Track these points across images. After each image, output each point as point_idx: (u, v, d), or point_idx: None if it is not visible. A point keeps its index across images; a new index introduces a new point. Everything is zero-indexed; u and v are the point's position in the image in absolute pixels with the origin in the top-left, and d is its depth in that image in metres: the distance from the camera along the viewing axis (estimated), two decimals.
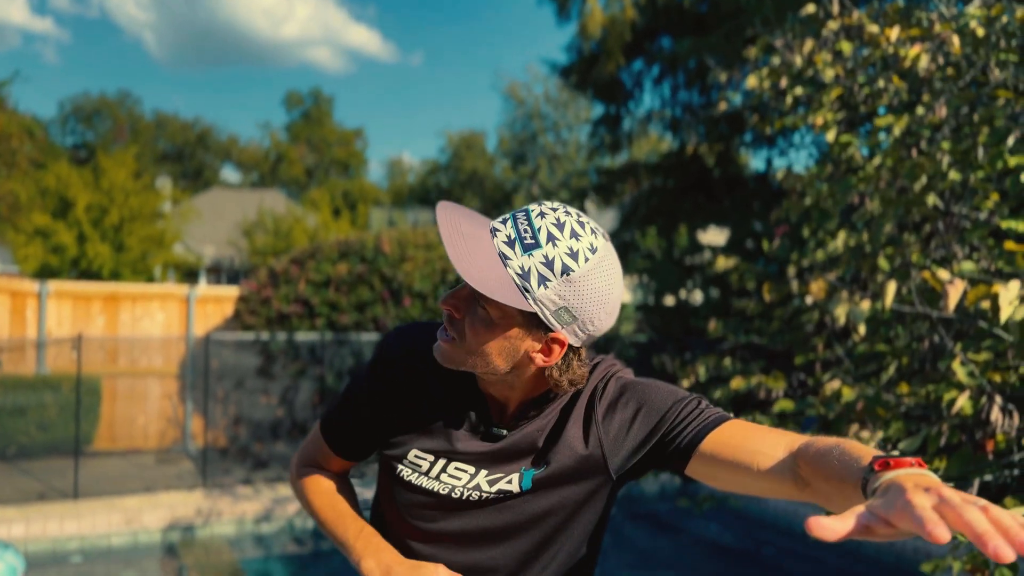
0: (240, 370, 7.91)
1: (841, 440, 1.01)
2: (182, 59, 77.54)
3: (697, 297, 11.26)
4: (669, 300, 10.90)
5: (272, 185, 43.77)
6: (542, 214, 1.10)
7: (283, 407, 8.00)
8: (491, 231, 1.11)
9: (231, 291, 9.43)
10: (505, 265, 1.08)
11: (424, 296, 8.37)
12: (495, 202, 33.03)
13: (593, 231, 1.11)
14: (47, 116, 46.21)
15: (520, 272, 1.07)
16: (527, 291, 1.07)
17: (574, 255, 1.08)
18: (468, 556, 1.27)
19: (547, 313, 1.09)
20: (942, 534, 0.65)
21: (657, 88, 11.74)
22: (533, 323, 1.11)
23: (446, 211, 1.11)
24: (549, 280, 1.07)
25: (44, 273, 16.32)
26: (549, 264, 1.07)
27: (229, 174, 50.09)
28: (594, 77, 11.63)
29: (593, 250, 1.10)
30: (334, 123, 47.95)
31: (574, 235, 1.09)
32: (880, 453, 0.88)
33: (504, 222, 1.12)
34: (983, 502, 0.68)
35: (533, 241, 1.08)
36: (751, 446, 1.10)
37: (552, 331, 1.12)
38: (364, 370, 1.34)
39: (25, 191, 17.72)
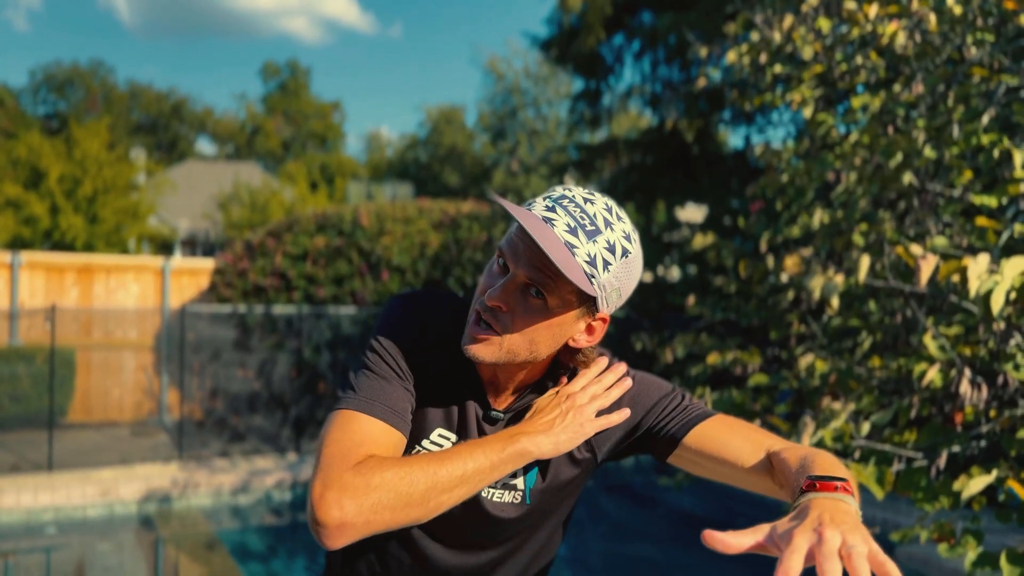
0: (216, 342, 7.87)
1: (813, 451, 1.06)
2: (156, 28, 76.33)
3: (674, 274, 11.32)
4: (646, 277, 10.95)
5: (248, 158, 43.29)
6: (588, 200, 1.12)
7: (260, 380, 7.98)
8: (546, 222, 1.09)
9: (207, 263, 9.36)
10: (573, 254, 1.07)
11: (403, 270, 8.35)
12: (474, 178, 32.93)
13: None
14: (17, 85, 45.31)
15: (588, 259, 1.07)
16: (593, 277, 1.08)
17: (628, 238, 1.12)
18: (460, 547, 1.28)
19: (604, 296, 1.11)
20: None
21: (637, 63, 11.72)
22: (588, 307, 1.13)
23: (508, 205, 1.08)
24: (611, 264, 1.09)
25: (16, 245, 16.09)
26: (611, 248, 1.09)
27: (204, 146, 49.52)
28: (574, 51, 11.57)
29: (633, 232, 1.14)
30: (311, 95, 47.39)
31: (619, 218, 1.12)
32: (824, 475, 0.94)
33: (552, 210, 1.10)
34: (865, 549, 0.75)
35: (594, 228, 1.09)
36: (735, 444, 1.15)
37: (598, 311, 1.15)
38: (391, 334, 1.21)
39: None
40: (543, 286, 1.09)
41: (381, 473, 1.02)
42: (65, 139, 18.14)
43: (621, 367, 1.25)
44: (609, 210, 1.11)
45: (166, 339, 8.67)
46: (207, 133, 49.01)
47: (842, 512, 0.85)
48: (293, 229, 8.76)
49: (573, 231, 1.07)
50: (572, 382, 1.23)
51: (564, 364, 1.23)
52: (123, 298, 9.00)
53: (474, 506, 1.22)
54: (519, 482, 1.23)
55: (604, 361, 1.24)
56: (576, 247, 1.07)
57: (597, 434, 1.23)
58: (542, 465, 1.23)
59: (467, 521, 1.23)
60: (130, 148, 28.50)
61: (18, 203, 16.16)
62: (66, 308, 8.41)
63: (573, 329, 1.15)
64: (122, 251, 18.16)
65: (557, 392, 1.22)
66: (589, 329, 1.17)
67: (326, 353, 8.04)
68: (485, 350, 1.12)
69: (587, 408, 1.18)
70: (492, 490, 1.22)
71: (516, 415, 1.23)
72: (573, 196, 1.11)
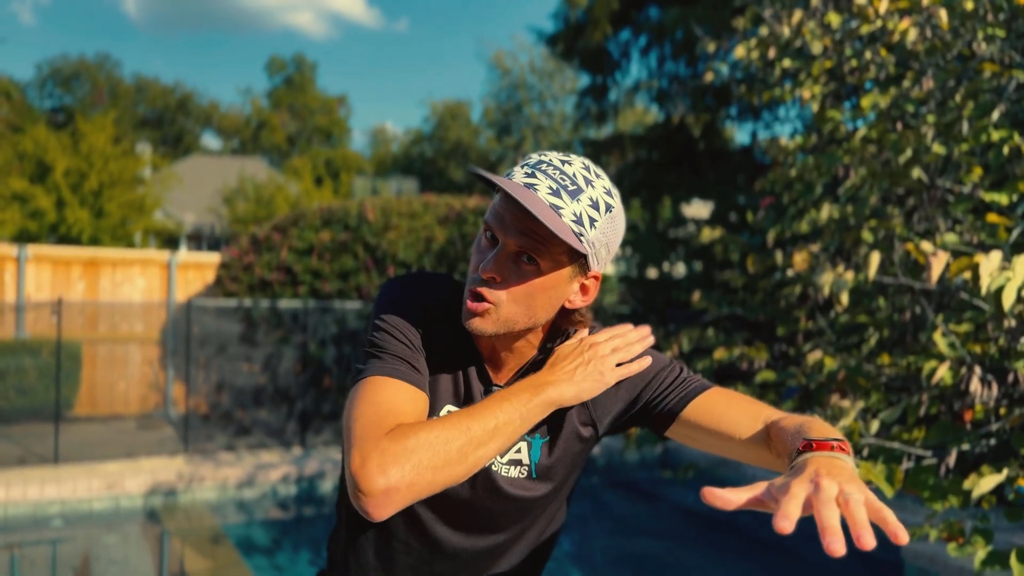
0: (222, 336, 7.88)
1: (809, 418, 1.07)
2: (162, 22, 76.38)
3: (679, 270, 11.31)
4: (652, 273, 10.94)
5: (253, 152, 43.30)
6: (565, 161, 1.13)
7: (265, 374, 7.99)
8: (528, 187, 1.10)
9: (212, 258, 9.36)
10: (559, 215, 1.08)
11: (408, 265, 8.35)
12: (476, 173, 32.85)
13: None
14: (24, 79, 45.37)
15: (575, 218, 1.09)
16: (582, 236, 1.10)
17: (609, 192, 1.14)
18: (469, 530, 1.28)
19: (594, 253, 1.13)
20: (783, 527, 0.74)
21: (644, 59, 11.69)
22: (580, 266, 1.15)
23: (489, 175, 1.11)
24: (596, 221, 1.11)
25: (22, 238, 16.12)
26: (595, 205, 1.11)
27: (210, 140, 49.54)
28: (580, 46, 11.56)
29: (613, 187, 1.17)
30: (317, 90, 47.36)
31: (598, 176, 1.15)
32: (821, 436, 0.95)
33: (532, 175, 1.11)
34: (862, 496, 0.77)
35: (575, 187, 1.11)
36: (733, 416, 1.16)
37: (591, 270, 1.17)
38: (394, 307, 1.21)
39: (2, 155, 17.44)
40: (534, 251, 1.10)
41: (416, 435, 1.01)
42: (71, 133, 18.17)
43: (646, 328, 1.25)
44: (587, 168, 1.14)
45: (172, 333, 8.68)
46: (213, 128, 49.03)
47: (838, 467, 0.86)
48: (299, 224, 8.76)
49: (556, 192, 1.09)
50: (595, 334, 1.23)
51: (560, 328, 1.24)
52: (129, 292, 9.01)
53: (486, 482, 1.22)
54: (524, 457, 1.23)
55: (628, 325, 1.25)
56: (561, 208, 1.08)
57: (598, 408, 1.24)
58: (548, 439, 1.24)
59: (478, 500, 1.23)
60: (136, 142, 28.48)
61: (24, 197, 16.19)
62: (72, 301, 8.43)
63: (568, 290, 1.17)
64: (128, 245, 18.20)
65: (580, 341, 1.22)
66: (583, 289, 1.19)
67: (331, 348, 8.04)
68: (485, 323, 1.14)
69: (609, 358, 1.19)
70: (501, 464, 1.23)
71: None
72: (550, 160, 1.13)
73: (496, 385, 1.24)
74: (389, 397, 1.09)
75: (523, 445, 1.23)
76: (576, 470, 1.31)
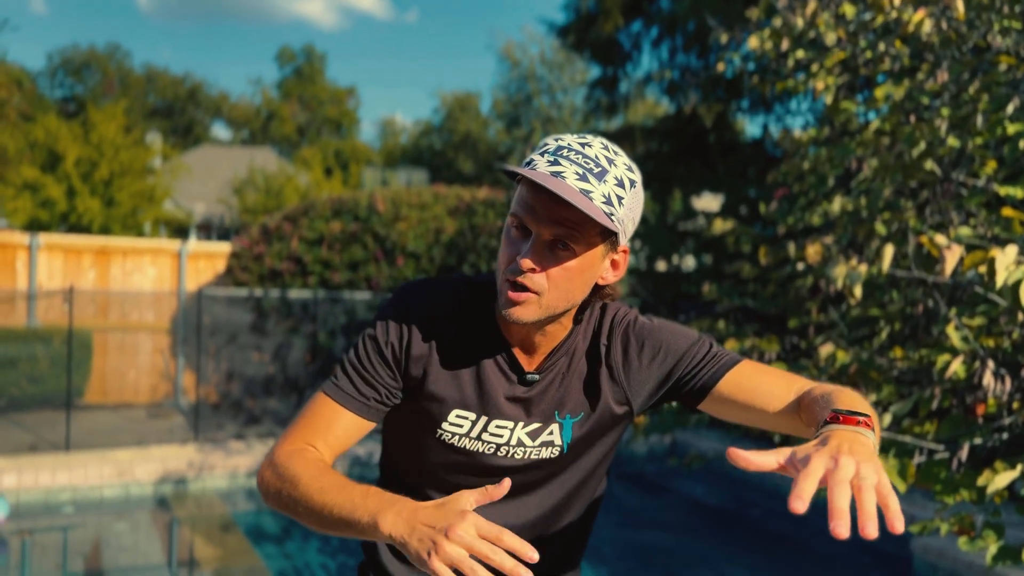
0: (232, 326, 7.91)
1: (837, 388, 1.10)
2: (172, 12, 76.48)
3: (689, 263, 11.28)
4: (661, 265, 10.91)
5: (263, 143, 43.35)
6: (584, 144, 1.15)
7: (275, 364, 8.01)
8: (556, 176, 1.12)
9: (223, 247, 9.39)
10: (590, 199, 1.10)
11: (418, 256, 8.35)
12: (488, 165, 32.86)
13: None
14: (35, 68, 45.53)
15: (604, 199, 1.12)
16: (612, 215, 1.13)
17: (630, 168, 1.17)
18: (498, 507, 1.28)
19: (623, 230, 1.16)
20: (796, 508, 0.77)
21: (655, 50, 11.63)
22: (611, 243, 1.18)
23: (516, 168, 1.14)
24: (623, 198, 1.14)
25: (33, 227, 16.20)
26: (620, 183, 1.14)
27: (220, 131, 49.64)
28: (591, 38, 11.51)
29: (631, 161, 1.19)
30: (327, 81, 47.37)
31: (616, 153, 1.17)
32: (848, 409, 0.97)
33: (556, 163, 1.13)
34: (875, 481, 0.80)
35: (600, 169, 1.13)
36: (766, 388, 1.19)
37: (620, 245, 1.19)
38: (380, 325, 1.25)
39: (14, 143, 17.52)
40: (569, 238, 1.13)
41: (291, 472, 1.14)
42: (82, 122, 18.24)
43: (529, 556, 0.93)
44: (606, 148, 1.16)
45: (182, 322, 8.71)
46: (222, 118, 49.12)
47: (860, 444, 0.89)
48: (309, 214, 8.77)
49: (583, 177, 1.11)
50: (470, 524, 0.95)
51: (590, 303, 1.26)
52: (140, 281, 9.05)
53: (512, 467, 1.26)
54: (556, 438, 1.26)
55: (531, 550, 0.94)
56: (591, 191, 1.11)
57: (632, 386, 1.26)
58: (581, 417, 1.27)
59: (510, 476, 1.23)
60: (146, 132, 28.57)
61: (35, 186, 16.27)
62: (83, 290, 8.46)
63: (601, 268, 1.20)
64: (138, 235, 18.28)
65: (453, 504, 1.00)
66: (614, 264, 1.22)
67: (340, 338, 8.06)
68: (526, 311, 1.15)
69: (451, 546, 0.93)
70: (531, 448, 1.26)
71: (547, 373, 1.26)
72: (570, 144, 1.15)
73: (529, 373, 1.25)
74: (326, 414, 1.22)
75: (555, 427, 1.26)
76: (612, 447, 1.33)
